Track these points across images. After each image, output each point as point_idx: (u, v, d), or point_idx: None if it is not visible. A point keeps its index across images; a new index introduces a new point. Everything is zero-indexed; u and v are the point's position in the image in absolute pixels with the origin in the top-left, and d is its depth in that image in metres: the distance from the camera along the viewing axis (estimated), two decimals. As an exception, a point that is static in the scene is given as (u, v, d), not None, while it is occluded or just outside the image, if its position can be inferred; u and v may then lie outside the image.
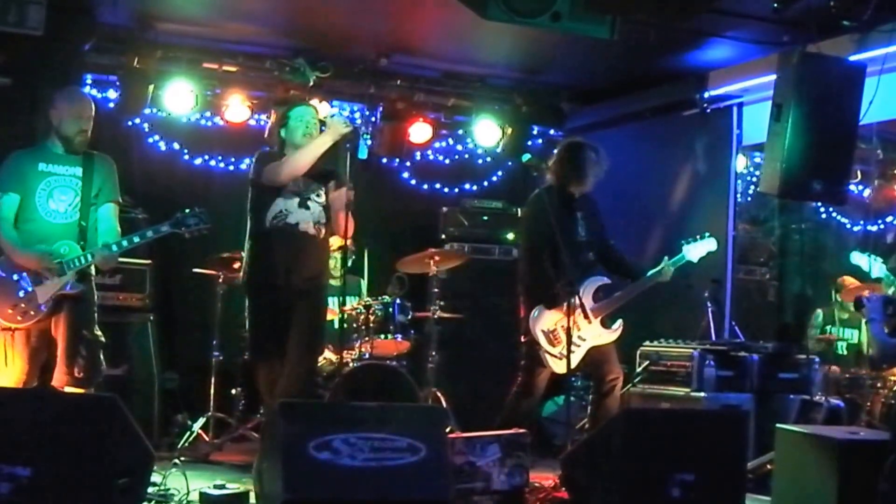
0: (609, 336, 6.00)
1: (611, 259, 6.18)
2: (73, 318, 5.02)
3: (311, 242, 5.54)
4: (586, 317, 5.88)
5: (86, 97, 5.33)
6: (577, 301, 5.64)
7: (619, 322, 6.03)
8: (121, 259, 5.25)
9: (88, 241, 5.09)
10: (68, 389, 4.92)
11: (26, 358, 4.98)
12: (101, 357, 5.13)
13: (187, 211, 5.18)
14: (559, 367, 5.86)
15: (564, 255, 5.57)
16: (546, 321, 5.87)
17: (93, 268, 5.12)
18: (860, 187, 9.08)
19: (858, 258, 7.25)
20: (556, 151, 6.29)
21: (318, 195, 5.58)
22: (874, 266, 7.01)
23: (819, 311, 8.31)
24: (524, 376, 6.00)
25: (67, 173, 5.13)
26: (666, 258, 6.11)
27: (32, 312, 4.96)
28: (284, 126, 5.64)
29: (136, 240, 5.11)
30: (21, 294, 4.95)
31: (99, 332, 5.13)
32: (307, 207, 5.52)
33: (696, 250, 6.16)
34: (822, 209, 9.31)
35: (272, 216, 5.46)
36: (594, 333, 5.96)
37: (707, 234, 6.23)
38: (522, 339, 6.01)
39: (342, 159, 5.50)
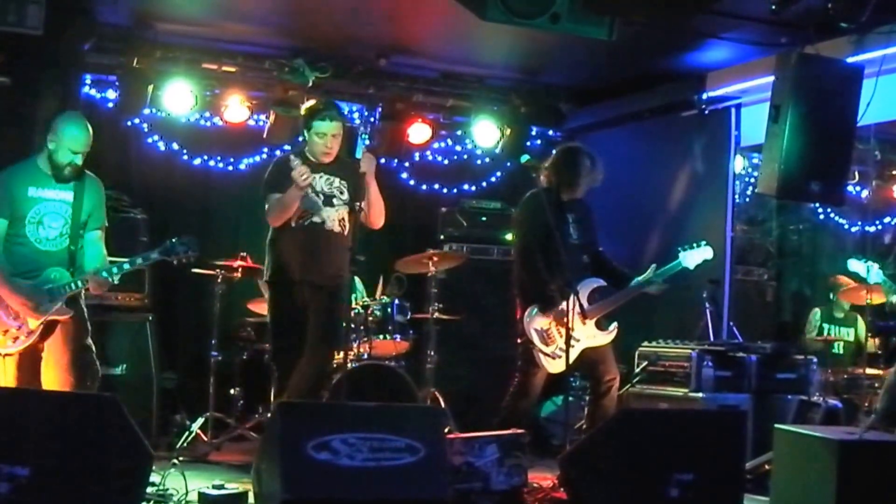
0: (604, 338, 6.00)
1: (600, 266, 6.19)
2: (72, 333, 5.09)
3: (336, 239, 5.66)
4: (582, 318, 5.88)
5: (86, 128, 5.21)
6: (575, 301, 5.64)
7: (615, 324, 6.03)
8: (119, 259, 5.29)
9: (77, 265, 5.12)
10: None
11: (15, 380, 5.00)
12: (97, 363, 5.21)
13: (175, 240, 5.23)
14: (553, 366, 5.87)
15: (561, 256, 5.57)
16: (540, 321, 5.88)
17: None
18: (858, 188, 9.08)
19: (856, 265, 7.26)
20: (553, 154, 6.31)
21: (342, 192, 5.70)
22: (872, 272, 7.02)
23: (816, 309, 8.33)
24: (520, 377, 6.01)
25: (58, 198, 5.12)
26: (654, 266, 6.10)
27: (23, 338, 5.00)
28: (308, 130, 5.73)
29: (127, 267, 5.15)
30: (13, 320, 4.99)
31: (90, 341, 5.19)
32: (332, 205, 5.66)
33: (693, 257, 6.14)
34: (820, 210, 9.32)
35: (297, 215, 5.60)
36: (588, 334, 5.96)
37: (704, 241, 6.21)
38: (518, 340, 6.02)
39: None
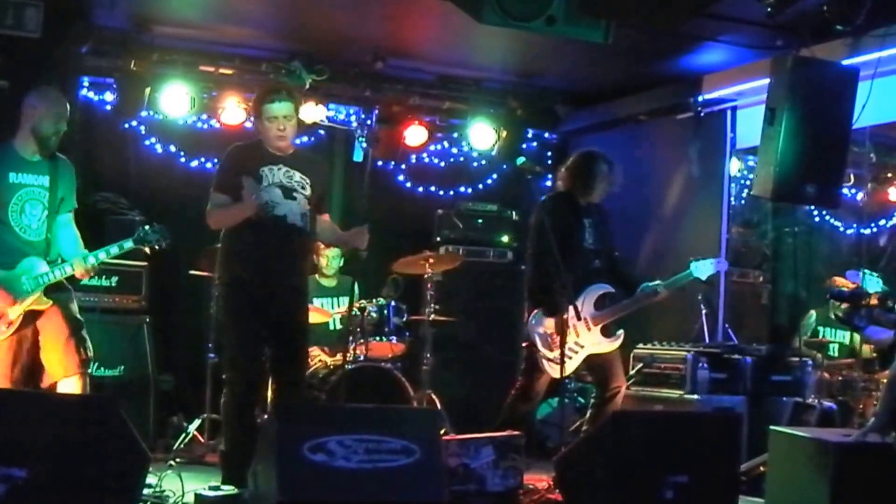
0: (609, 345, 5.97)
1: (614, 270, 6.17)
2: (64, 315, 5.06)
3: (300, 235, 5.38)
4: (586, 324, 5.87)
5: (63, 97, 5.22)
6: (574, 307, 5.63)
7: (621, 331, 6.02)
8: (116, 261, 5.29)
9: (52, 253, 5.09)
10: (73, 379, 4.98)
11: (9, 366, 4.98)
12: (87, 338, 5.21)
13: (148, 228, 5.26)
14: (556, 371, 5.84)
15: (571, 261, 5.57)
16: (544, 325, 5.88)
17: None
18: (853, 191, 9.10)
19: (855, 277, 7.26)
20: (570, 158, 6.28)
21: (303, 187, 5.36)
22: (870, 282, 7.02)
23: (812, 311, 8.34)
24: (523, 380, 6.00)
25: (36, 184, 5.05)
26: (659, 280, 6.05)
27: (4, 328, 4.95)
28: (259, 117, 5.36)
29: (102, 255, 5.13)
30: None
31: (80, 316, 5.20)
32: (293, 199, 5.30)
33: (706, 269, 6.11)
34: (816, 212, 9.33)
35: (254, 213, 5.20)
36: (593, 341, 5.94)
37: (717, 258, 6.23)
38: (524, 344, 6.02)
39: (356, 182, 5.40)
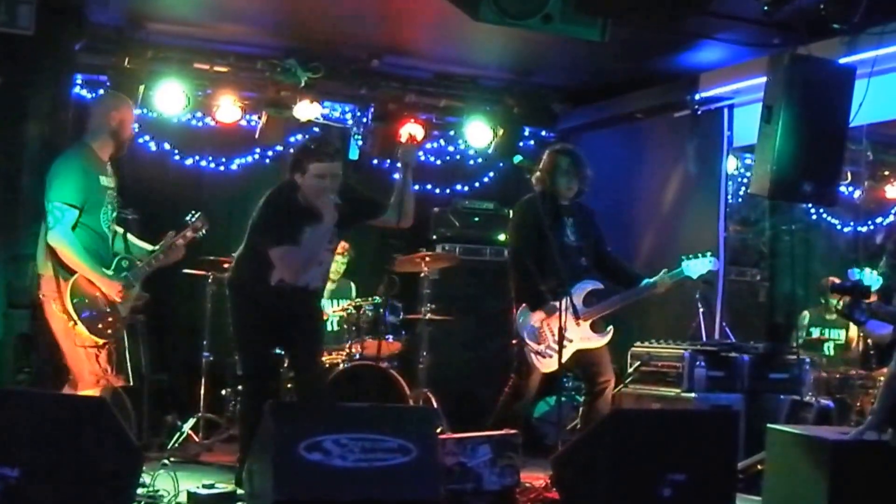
0: (598, 340, 5.99)
1: (607, 266, 6.18)
2: None
3: (318, 295, 5.52)
4: (575, 319, 5.87)
5: None
6: (568, 301, 5.63)
7: (610, 328, 6.03)
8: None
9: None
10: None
11: (106, 370, 5.06)
12: None
13: (191, 218, 5.40)
14: (545, 365, 5.88)
15: (555, 258, 5.56)
16: (530, 319, 5.89)
17: None
18: (850, 189, 9.12)
19: (857, 275, 7.27)
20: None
21: (330, 243, 5.40)
22: (870, 279, 7.01)
23: (805, 312, 8.34)
24: (516, 379, 6.01)
25: (111, 185, 5.19)
26: (665, 270, 6.10)
27: (119, 325, 5.09)
28: (301, 173, 5.23)
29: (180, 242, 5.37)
30: (108, 310, 5.03)
31: None
32: (318, 264, 5.34)
33: (697, 267, 6.13)
34: (813, 210, 9.35)
35: (278, 278, 5.27)
36: (582, 336, 5.95)
37: (709, 252, 6.21)
38: (513, 342, 6.01)
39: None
